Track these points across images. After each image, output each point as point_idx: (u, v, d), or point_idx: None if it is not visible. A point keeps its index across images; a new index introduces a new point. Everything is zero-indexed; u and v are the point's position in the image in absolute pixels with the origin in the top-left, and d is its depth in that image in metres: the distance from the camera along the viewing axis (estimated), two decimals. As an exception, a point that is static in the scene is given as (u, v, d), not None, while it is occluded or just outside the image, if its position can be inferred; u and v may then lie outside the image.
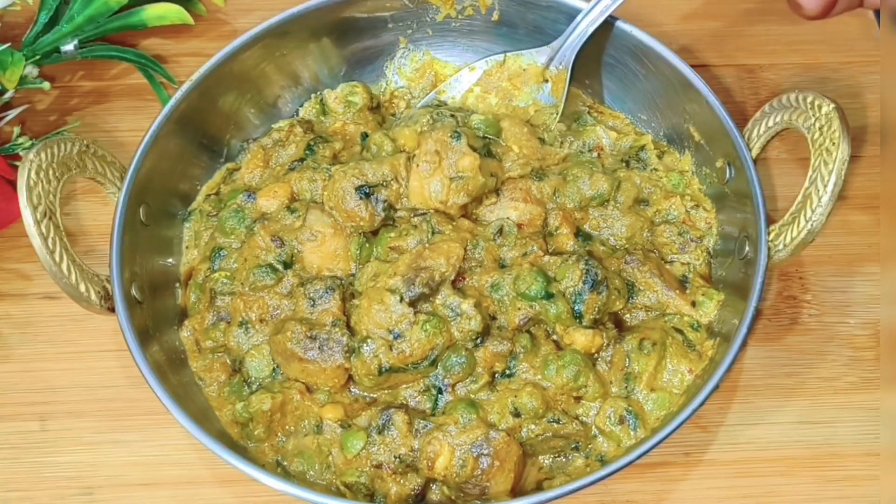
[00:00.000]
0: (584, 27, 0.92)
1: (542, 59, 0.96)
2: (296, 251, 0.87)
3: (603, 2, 0.91)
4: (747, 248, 0.85)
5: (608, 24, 0.92)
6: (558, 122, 0.96)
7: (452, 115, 0.91)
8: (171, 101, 0.89)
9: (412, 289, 0.81)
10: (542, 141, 0.93)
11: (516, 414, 0.81)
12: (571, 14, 0.93)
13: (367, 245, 0.86)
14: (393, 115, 1.01)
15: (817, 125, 0.81)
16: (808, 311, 0.94)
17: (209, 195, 0.95)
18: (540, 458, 0.83)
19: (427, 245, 0.83)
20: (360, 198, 0.85)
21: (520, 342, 0.82)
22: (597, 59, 0.96)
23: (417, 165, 0.86)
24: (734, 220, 0.89)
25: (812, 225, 0.79)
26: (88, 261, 0.83)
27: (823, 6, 0.79)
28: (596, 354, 0.84)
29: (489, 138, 0.91)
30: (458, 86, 0.99)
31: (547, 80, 0.96)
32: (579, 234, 0.90)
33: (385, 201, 0.86)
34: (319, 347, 0.81)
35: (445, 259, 0.82)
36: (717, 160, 0.91)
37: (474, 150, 0.86)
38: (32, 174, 0.79)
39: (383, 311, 0.80)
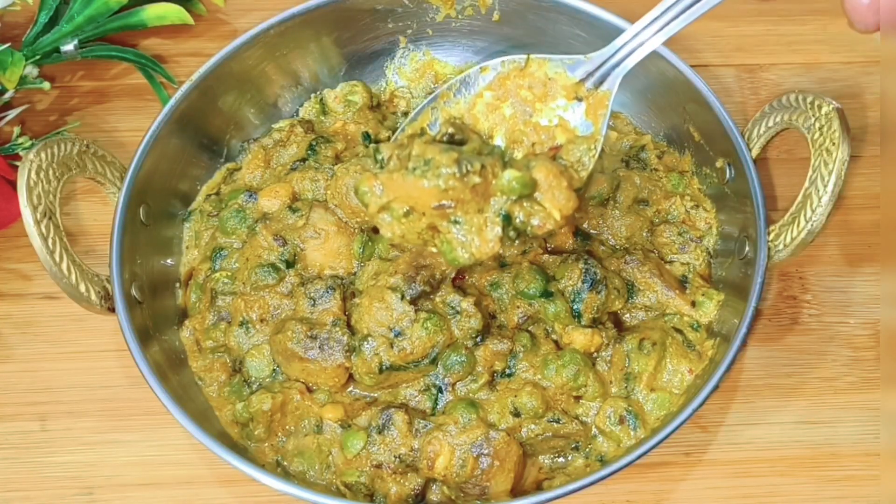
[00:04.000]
0: (644, 42, 0.75)
1: (576, 72, 0.77)
2: (298, 250, 0.87)
3: (671, 13, 0.73)
4: (747, 248, 0.85)
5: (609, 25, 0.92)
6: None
7: (483, 167, 0.70)
8: (171, 101, 0.89)
9: (413, 287, 0.81)
10: (578, 192, 0.74)
11: (516, 414, 0.81)
12: (572, 15, 0.92)
13: (370, 243, 0.86)
14: (394, 113, 1.01)
15: (817, 125, 0.81)
16: (808, 311, 0.94)
17: (209, 195, 0.95)
18: (540, 458, 0.83)
19: (427, 244, 0.83)
20: None
21: (520, 341, 0.82)
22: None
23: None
24: (734, 220, 0.89)
25: (812, 225, 0.79)
26: (88, 261, 0.83)
27: (876, 23, 0.75)
28: (595, 354, 0.84)
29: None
30: (466, 90, 0.80)
31: (580, 100, 0.77)
32: (578, 233, 0.90)
33: None
34: (320, 347, 0.81)
35: (446, 257, 0.82)
36: (717, 160, 0.91)
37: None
38: (32, 174, 0.79)
39: (384, 309, 0.80)
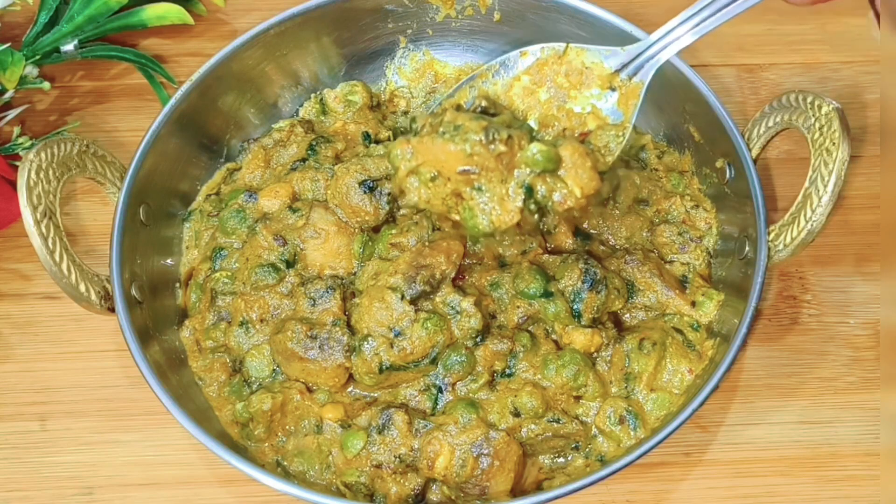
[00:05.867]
0: (678, 38, 0.79)
1: (611, 62, 0.81)
2: (298, 250, 0.87)
3: (706, 12, 0.76)
4: (747, 248, 0.85)
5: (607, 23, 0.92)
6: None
7: (510, 137, 0.73)
8: (171, 101, 0.89)
9: (413, 287, 0.81)
10: (601, 175, 0.76)
11: (516, 414, 0.81)
12: (573, 15, 0.92)
13: (370, 243, 0.87)
14: (394, 113, 1.01)
15: (817, 125, 0.81)
16: (808, 311, 0.94)
17: (209, 195, 0.95)
18: (540, 458, 0.83)
19: (427, 243, 0.83)
20: (364, 192, 0.86)
21: (520, 341, 0.82)
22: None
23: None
24: (734, 220, 0.89)
25: (812, 225, 0.79)
26: (88, 261, 0.83)
27: None
28: (595, 354, 0.84)
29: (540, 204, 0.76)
30: (505, 72, 0.84)
31: (614, 89, 0.81)
32: (578, 233, 0.90)
33: (389, 194, 0.86)
34: (320, 347, 0.81)
35: (446, 257, 0.82)
36: (717, 160, 0.91)
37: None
38: (32, 174, 0.79)
39: (384, 309, 0.81)
